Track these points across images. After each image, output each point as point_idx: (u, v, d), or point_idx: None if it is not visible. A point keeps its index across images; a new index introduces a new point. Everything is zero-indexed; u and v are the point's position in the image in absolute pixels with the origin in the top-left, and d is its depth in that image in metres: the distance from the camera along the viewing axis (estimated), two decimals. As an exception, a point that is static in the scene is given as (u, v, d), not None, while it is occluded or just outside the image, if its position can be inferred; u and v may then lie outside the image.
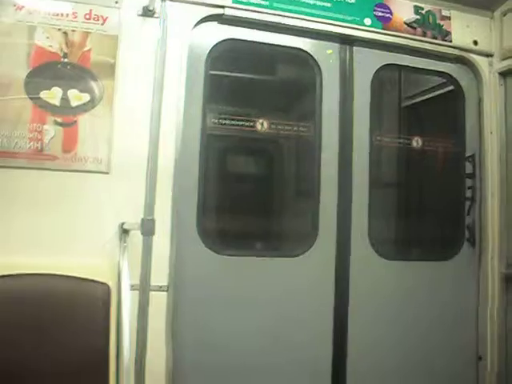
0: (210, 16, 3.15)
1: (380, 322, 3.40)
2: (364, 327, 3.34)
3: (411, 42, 3.56)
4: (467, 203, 3.69)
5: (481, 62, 3.71)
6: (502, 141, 3.64)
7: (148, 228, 2.44)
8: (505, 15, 3.64)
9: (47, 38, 2.78)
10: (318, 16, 3.34)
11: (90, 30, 2.87)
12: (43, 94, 2.76)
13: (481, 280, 3.64)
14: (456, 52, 3.67)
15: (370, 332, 3.35)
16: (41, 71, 2.76)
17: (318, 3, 3.35)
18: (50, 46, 2.79)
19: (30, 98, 2.73)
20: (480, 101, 3.73)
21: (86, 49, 2.85)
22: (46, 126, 2.75)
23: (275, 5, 3.25)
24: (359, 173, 3.40)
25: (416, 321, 3.47)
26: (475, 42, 3.69)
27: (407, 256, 3.63)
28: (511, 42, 3.59)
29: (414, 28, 3.56)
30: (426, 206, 3.97)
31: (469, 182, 3.70)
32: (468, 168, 3.70)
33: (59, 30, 2.81)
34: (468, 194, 3.69)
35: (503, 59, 3.64)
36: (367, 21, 3.45)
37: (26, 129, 2.72)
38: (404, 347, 3.44)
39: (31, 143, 2.72)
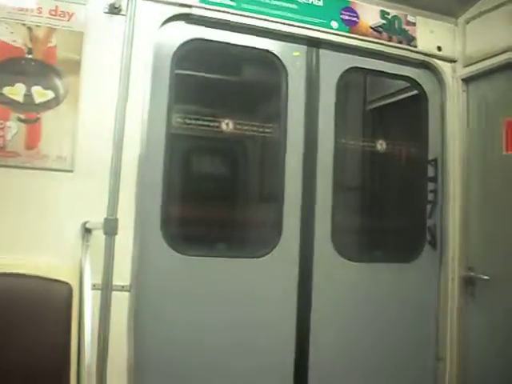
0: (177, 15, 3.13)
1: (342, 323, 3.43)
2: (326, 328, 3.36)
3: (377, 45, 3.60)
4: (429, 206, 3.74)
5: (444, 67, 3.77)
6: (464, 145, 3.70)
7: (110, 227, 2.42)
8: (468, 23, 3.70)
9: (11, 32, 2.73)
10: (285, 18, 3.35)
11: (55, 26, 2.82)
12: (6, 90, 2.71)
13: (441, 282, 3.69)
14: (420, 57, 3.72)
15: (331, 333, 3.38)
16: (4, 67, 2.72)
17: (286, 5, 3.36)
18: (14, 41, 2.74)
19: (-8, 93, 2.70)
20: (443, 106, 3.78)
21: (51, 45, 2.81)
22: (8, 123, 2.71)
23: (242, 6, 3.25)
24: (323, 175, 3.42)
25: (377, 322, 3.51)
26: (439, 48, 3.75)
27: (370, 258, 3.65)
28: (474, 49, 3.64)
29: (380, 32, 3.60)
30: (388, 208, 4.02)
31: (431, 186, 3.75)
32: (430, 171, 3.75)
33: (23, 24, 2.76)
34: (430, 197, 3.74)
35: (466, 66, 3.70)
36: (334, 24, 3.48)
37: (-12, 125, 2.68)
38: (365, 348, 3.47)
39: (-7, 140, 2.68)
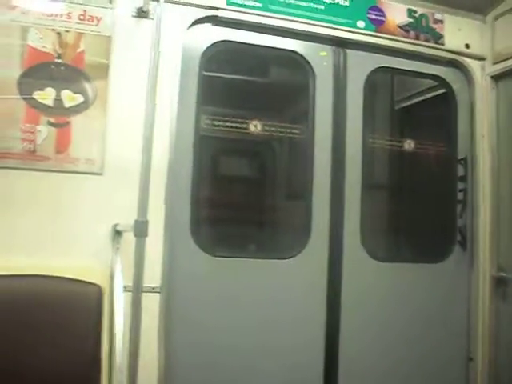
0: (204, 18, 3.15)
1: (372, 323, 3.41)
2: (356, 329, 3.35)
3: (404, 44, 3.57)
4: (459, 206, 3.70)
5: (473, 65, 3.73)
6: (494, 144, 3.66)
7: (141, 230, 2.43)
8: (497, 19, 3.66)
9: (40, 38, 2.77)
10: (312, 18, 3.35)
11: (83, 31, 2.86)
12: (36, 95, 2.75)
13: (472, 282, 3.65)
14: (448, 55, 3.69)
15: (361, 334, 3.36)
16: (34, 72, 2.76)
17: (312, 5, 3.35)
18: (44, 47, 2.78)
19: (23, 98, 2.73)
20: (472, 104, 3.74)
21: (79, 50, 2.85)
22: (39, 127, 2.75)
23: (269, 7, 3.26)
24: (352, 175, 3.40)
25: (407, 323, 3.48)
26: (467, 46, 3.71)
27: (399, 258, 3.65)
28: (503, 46, 3.59)
29: (407, 31, 3.57)
30: (418, 208, 3.97)
31: (461, 185, 3.71)
32: (460, 171, 3.71)
33: (53, 30, 2.80)
34: (460, 196, 3.70)
35: (495, 63, 3.66)
36: (360, 23, 3.46)
37: (19, 129, 2.71)
38: (396, 349, 3.44)
39: (24, 144, 2.72)
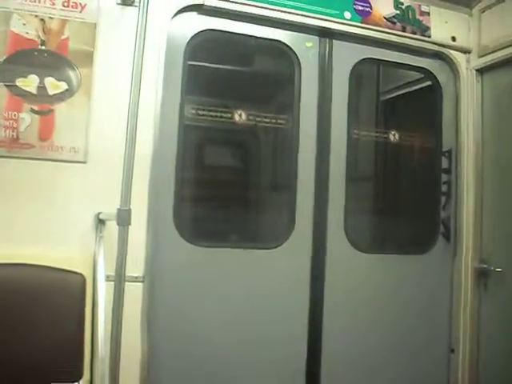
0: (190, 6, 3.12)
1: (354, 314, 3.42)
2: (338, 320, 3.36)
3: (390, 36, 3.57)
4: (443, 198, 3.72)
5: (459, 58, 3.74)
6: (478, 137, 3.67)
7: (124, 218, 2.42)
8: (483, 12, 3.67)
9: (24, 24, 2.74)
10: (298, 8, 3.33)
11: (68, 18, 2.82)
12: (19, 82, 2.72)
13: (454, 274, 3.68)
14: (434, 47, 3.69)
15: (344, 325, 3.38)
16: (17, 58, 2.72)
17: (298, -5, 3.35)
18: (27, 33, 2.75)
19: (6, 85, 2.69)
20: (457, 97, 3.75)
21: (63, 37, 2.81)
22: (22, 114, 2.72)
23: (255, -4, 3.25)
24: (336, 166, 3.41)
25: (390, 313, 3.51)
26: (453, 38, 3.72)
27: (383, 249, 3.67)
28: (489, 39, 3.61)
29: (394, 23, 3.57)
30: (402, 199, 4.00)
31: (445, 177, 3.73)
32: (444, 163, 3.74)
33: (36, 16, 2.76)
34: (444, 188, 3.73)
35: (480, 56, 3.67)
36: (347, 14, 3.45)
37: (1, 117, 2.68)
38: (377, 340, 3.47)
39: (7, 131, 2.68)
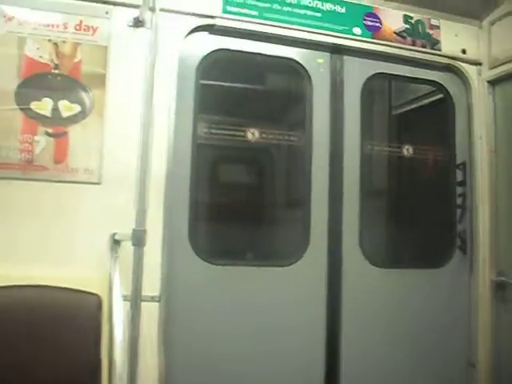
0: (201, 26, 3.16)
1: (373, 330, 3.40)
2: (357, 336, 3.34)
3: (401, 50, 3.58)
4: (458, 211, 3.70)
5: (469, 70, 3.74)
6: (492, 148, 3.66)
7: (139, 239, 2.42)
8: (493, 24, 3.67)
9: (37, 48, 2.78)
10: (309, 26, 3.36)
11: (80, 41, 2.86)
12: (34, 105, 2.75)
13: (472, 287, 3.65)
14: (445, 60, 3.70)
15: (362, 341, 3.35)
16: (31, 82, 2.76)
17: (309, 13, 3.37)
18: (41, 57, 2.79)
19: (21, 108, 2.73)
20: (469, 109, 3.74)
21: (76, 60, 2.85)
22: (36, 137, 2.75)
23: (265, 15, 3.27)
24: (350, 182, 3.41)
25: (408, 328, 3.48)
26: (464, 51, 3.72)
27: (399, 264, 3.64)
28: (499, 51, 3.60)
29: (404, 37, 3.58)
30: (417, 214, 3.97)
31: (459, 190, 3.71)
32: (459, 175, 3.72)
33: (49, 40, 2.81)
34: (459, 201, 3.71)
35: (491, 68, 3.67)
36: (357, 30, 3.47)
37: (17, 140, 2.71)
38: (397, 355, 3.43)
39: (22, 154, 2.72)
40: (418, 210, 3.96)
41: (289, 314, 3.24)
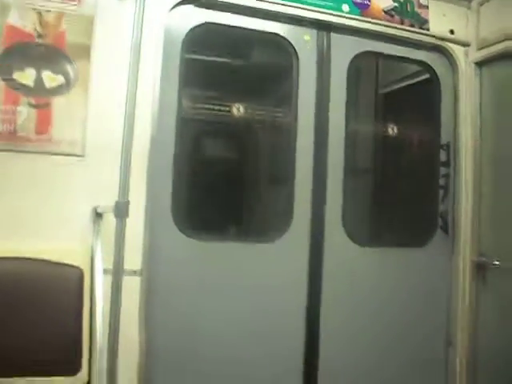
0: (187, -1, 3.13)
1: (353, 308, 3.43)
2: (336, 314, 3.37)
3: (389, 29, 3.56)
4: (441, 191, 3.72)
5: (457, 51, 3.73)
6: (477, 130, 3.67)
7: (121, 210, 2.42)
8: (482, 5, 3.66)
9: (20, 17, 2.73)
10: (296, 1, 3.32)
11: (65, 11, 2.81)
12: (16, 75, 2.71)
13: (453, 267, 3.69)
14: (433, 41, 3.68)
15: (342, 319, 3.38)
16: (14, 51, 2.71)
17: (296, -12, 3.34)
18: (24, 26, 2.74)
19: (3, 79, 2.69)
20: (456, 90, 3.74)
21: (60, 30, 2.80)
22: (19, 108, 2.71)
23: (253, -12, 3.24)
24: (334, 159, 3.40)
25: (388, 306, 3.51)
26: (452, 31, 3.71)
27: (381, 243, 3.66)
28: (487, 33, 3.60)
29: (392, 16, 3.56)
30: (400, 193, 3.98)
31: (443, 170, 3.73)
32: (442, 156, 3.73)
33: (33, 9, 2.75)
34: (442, 182, 3.72)
35: (479, 49, 3.66)
36: (345, 7, 3.44)
37: (-1, 110, 2.68)
38: (376, 334, 3.48)
39: (4, 125, 2.68)
40: (401, 189, 3.98)
41: (270, 291, 3.26)
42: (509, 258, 3.39)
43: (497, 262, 3.45)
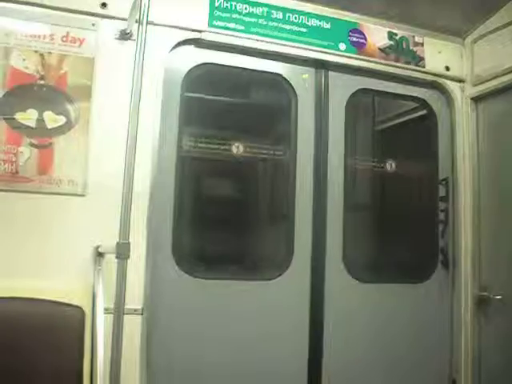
0: (187, 40, 3.17)
1: (354, 345, 3.40)
2: (338, 351, 3.34)
3: (385, 67, 3.62)
4: (441, 226, 3.73)
5: (453, 87, 3.78)
6: (474, 165, 3.70)
7: (123, 251, 2.41)
8: (475, 42, 3.72)
9: (23, 59, 2.77)
10: (294, 41, 3.38)
11: (66, 53, 2.86)
12: (18, 116, 2.74)
13: (454, 302, 3.67)
14: (429, 77, 3.74)
15: (344, 356, 3.35)
16: (16, 93, 2.75)
17: (294, 28, 3.39)
18: (26, 68, 2.78)
19: (5, 119, 2.71)
20: (452, 125, 3.78)
21: (62, 71, 2.84)
22: (21, 148, 2.73)
23: (252, 29, 3.28)
24: (334, 196, 3.42)
25: (390, 343, 3.49)
26: (447, 68, 3.76)
27: (382, 279, 3.63)
28: (482, 68, 3.65)
29: (388, 54, 3.62)
30: (400, 228, 3.98)
31: (442, 205, 3.74)
32: (441, 191, 3.75)
33: (36, 51, 2.80)
34: (441, 216, 3.73)
35: (475, 85, 3.71)
36: (342, 46, 3.50)
37: (1, 150, 2.69)
38: (378, 371, 3.44)
39: (6, 165, 2.69)
40: (400, 225, 3.97)
41: (272, 328, 3.24)
42: (510, 291, 3.38)
43: (498, 296, 3.43)
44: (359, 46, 3.54)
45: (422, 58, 3.71)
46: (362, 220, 3.97)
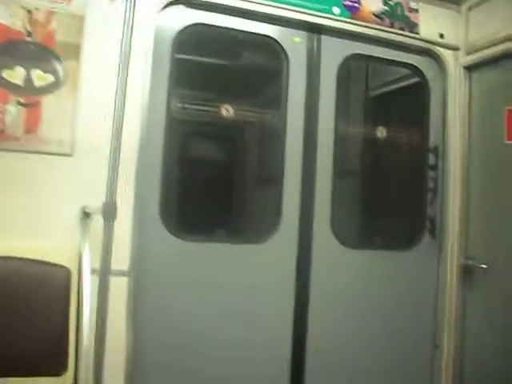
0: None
1: (340, 310, 3.44)
2: (324, 316, 3.37)
3: (379, 32, 3.57)
4: (429, 194, 3.73)
5: (447, 55, 3.75)
6: (465, 134, 3.69)
7: (109, 212, 2.41)
8: (471, 10, 3.67)
9: (10, 15, 2.71)
10: (287, 3, 3.32)
11: (55, 9, 2.80)
12: (5, 74, 2.70)
13: (440, 270, 3.70)
14: (422, 44, 3.70)
15: (329, 321, 3.39)
16: (3, 49, 2.70)
17: (287, -10, 3.34)
18: (13, 24, 2.72)
19: (-8, 76, 2.68)
20: (445, 94, 3.76)
21: (50, 28, 2.79)
22: (8, 106, 2.69)
23: (244, -10, 3.24)
24: (323, 161, 3.41)
25: (375, 309, 3.53)
26: (441, 35, 3.72)
27: (369, 245, 3.65)
28: (477, 37, 3.62)
29: (382, 19, 3.57)
30: (388, 195, 4.00)
31: (431, 174, 3.74)
32: (431, 159, 3.75)
33: (23, 7, 2.74)
34: (430, 185, 3.74)
35: (468, 54, 3.68)
36: (336, 10, 3.45)
37: (-12, 109, 2.66)
38: (363, 336, 3.49)
39: (-8, 123, 2.67)
40: (389, 192, 3.99)
41: (258, 291, 3.27)
42: (496, 261, 3.41)
43: (484, 266, 3.46)
44: (353, 10, 3.49)
45: (416, 25, 3.67)
46: (351, 186, 3.99)
